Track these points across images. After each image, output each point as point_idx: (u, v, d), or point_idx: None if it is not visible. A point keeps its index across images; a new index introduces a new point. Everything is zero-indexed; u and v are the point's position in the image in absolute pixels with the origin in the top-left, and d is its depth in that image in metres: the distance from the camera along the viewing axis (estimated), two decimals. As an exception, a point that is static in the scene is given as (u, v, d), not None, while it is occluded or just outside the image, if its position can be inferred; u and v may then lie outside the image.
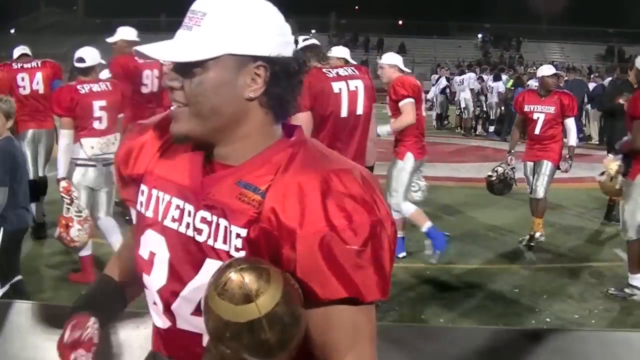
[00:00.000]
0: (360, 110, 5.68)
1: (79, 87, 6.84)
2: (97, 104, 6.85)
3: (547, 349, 4.79)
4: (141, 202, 1.87)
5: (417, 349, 4.96)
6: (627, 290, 6.83)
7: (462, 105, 23.06)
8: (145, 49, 1.67)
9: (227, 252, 1.66)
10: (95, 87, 6.92)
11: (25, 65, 9.04)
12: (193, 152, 1.80)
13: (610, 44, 50.71)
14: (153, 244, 1.83)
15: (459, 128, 23.69)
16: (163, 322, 1.85)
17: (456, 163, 16.44)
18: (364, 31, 53.79)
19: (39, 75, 8.95)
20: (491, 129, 22.33)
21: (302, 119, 5.28)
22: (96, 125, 6.85)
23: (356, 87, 5.70)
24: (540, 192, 8.60)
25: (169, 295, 1.79)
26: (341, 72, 5.79)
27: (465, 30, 56.13)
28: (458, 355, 4.90)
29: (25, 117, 8.56)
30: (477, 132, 23.05)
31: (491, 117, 22.81)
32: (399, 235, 8.10)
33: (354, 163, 1.72)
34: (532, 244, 8.67)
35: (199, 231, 1.71)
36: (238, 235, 1.66)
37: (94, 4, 54.90)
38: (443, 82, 24.85)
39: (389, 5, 56.58)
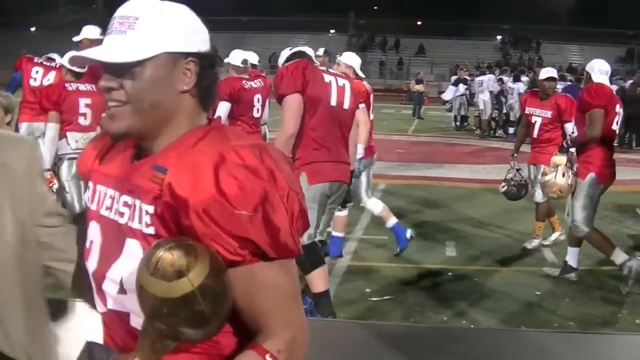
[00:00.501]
0: (346, 105, 5.89)
1: (66, 85, 7.38)
2: (83, 101, 7.38)
3: (573, 352, 4.77)
4: (88, 197, 2.06)
5: (440, 350, 4.95)
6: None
7: (481, 106, 23.02)
8: (86, 53, 1.84)
9: (140, 230, 1.81)
10: (82, 87, 7.44)
11: (45, 63, 9.68)
12: (126, 148, 1.98)
13: (630, 46, 50.48)
14: (92, 233, 2.00)
15: (478, 129, 23.66)
16: (100, 306, 1.99)
17: (475, 164, 16.42)
18: (383, 31, 53.78)
19: (52, 74, 9.42)
20: (511, 130, 22.25)
21: (293, 101, 5.58)
22: (81, 120, 7.40)
23: (343, 84, 5.96)
24: (538, 196, 8.65)
25: (99, 277, 1.94)
26: (330, 71, 6.12)
27: (484, 31, 56.04)
28: (482, 357, 4.89)
29: (26, 110, 9.19)
30: (497, 134, 22.99)
31: (511, 119, 22.72)
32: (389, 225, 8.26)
33: (262, 142, 1.86)
34: (530, 246, 8.81)
35: (121, 214, 1.88)
36: (147, 212, 1.80)
37: (113, 1, 55.25)
38: (461, 89, 24.83)
39: (408, 5, 56.51)
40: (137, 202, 1.84)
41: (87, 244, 2.02)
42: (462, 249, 8.68)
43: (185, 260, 1.60)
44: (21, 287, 2.08)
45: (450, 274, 7.70)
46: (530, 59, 48.63)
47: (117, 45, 1.82)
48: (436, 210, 10.71)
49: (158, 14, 1.83)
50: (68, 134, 7.29)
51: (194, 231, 1.71)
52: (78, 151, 7.14)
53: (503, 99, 23.04)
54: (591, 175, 7.10)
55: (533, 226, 8.88)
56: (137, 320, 1.88)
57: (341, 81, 5.95)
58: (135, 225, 1.84)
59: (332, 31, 55.63)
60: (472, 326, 6.18)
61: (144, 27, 1.81)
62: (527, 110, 8.86)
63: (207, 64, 1.90)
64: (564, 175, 7.27)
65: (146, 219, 1.81)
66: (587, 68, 7.59)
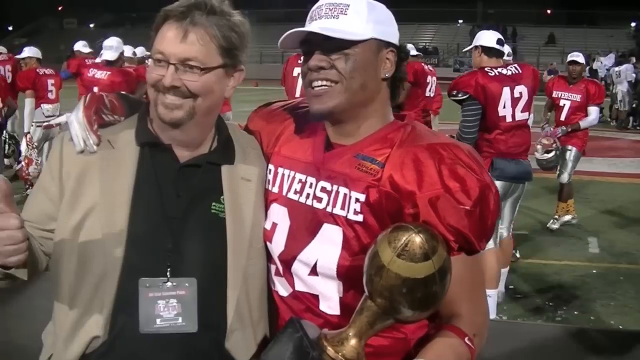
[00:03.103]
0: None
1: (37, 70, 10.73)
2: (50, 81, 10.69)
3: None
4: (268, 180, 2.15)
5: (589, 351, 4.83)
6: None
7: (619, 97, 22.21)
8: (311, 27, 1.96)
9: (345, 217, 1.94)
10: (49, 70, 10.89)
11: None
12: (315, 135, 2.11)
13: None
14: (276, 215, 2.09)
15: (614, 121, 22.84)
16: (285, 289, 2.09)
17: (613, 157, 15.85)
18: (512, 21, 52.65)
19: None
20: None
21: None
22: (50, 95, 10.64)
23: None
24: (564, 177, 8.95)
25: (288, 259, 2.04)
26: None
27: (618, 19, 54.16)
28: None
29: None
30: (633, 125, 22.14)
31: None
32: None
33: (454, 140, 2.02)
34: (555, 226, 9.10)
35: (318, 199, 2.00)
36: (357, 200, 1.94)
37: None
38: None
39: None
40: (343, 189, 1.96)
41: (268, 226, 2.11)
42: (605, 246, 8.42)
43: (431, 243, 1.73)
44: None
45: (594, 271, 7.48)
46: (667, 46, 46.70)
47: (333, 26, 1.93)
48: (575, 204, 10.44)
49: (368, 4, 1.97)
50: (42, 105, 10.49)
51: (417, 221, 1.84)
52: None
53: (640, 89, 22.13)
54: None
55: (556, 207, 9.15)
56: (326, 304, 2.01)
57: None
58: (337, 211, 1.97)
59: (460, 21, 54.98)
60: (620, 327, 6.00)
61: (356, 13, 1.94)
62: (555, 94, 9.15)
63: (403, 57, 2.06)
64: None
65: (355, 206, 1.94)
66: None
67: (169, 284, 1.98)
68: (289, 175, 2.10)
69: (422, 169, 1.88)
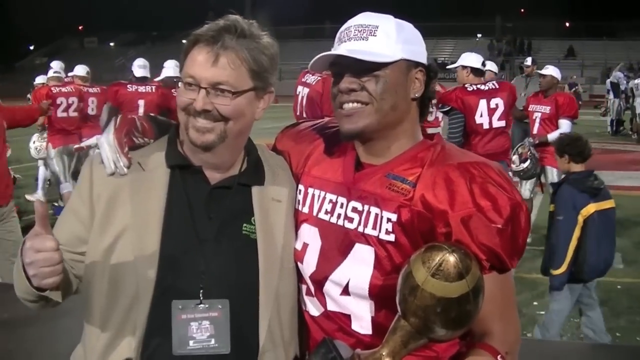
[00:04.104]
0: None
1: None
2: None
3: None
4: (298, 200, 2.16)
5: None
6: None
7: (638, 110, 22.05)
8: (340, 50, 1.97)
9: (377, 237, 1.94)
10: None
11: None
12: (345, 155, 2.11)
13: None
14: (306, 236, 2.09)
15: (635, 134, 22.64)
16: (317, 308, 2.09)
17: (636, 171, 15.68)
18: (529, 34, 52.51)
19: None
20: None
21: None
22: None
23: None
24: (525, 193, 8.99)
25: (320, 279, 2.04)
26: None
27: (637, 30, 53.84)
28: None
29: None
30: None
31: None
32: None
33: (484, 159, 2.01)
34: None
35: (349, 219, 2.00)
36: (389, 220, 1.94)
37: (261, 13, 56.41)
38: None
39: (556, 7, 55.01)
40: (374, 209, 1.97)
41: (299, 246, 2.11)
42: (629, 261, 8.34)
43: (465, 262, 1.74)
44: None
45: (619, 287, 7.41)
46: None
47: (362, 48, 1.94)
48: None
49: (396, 25, 1.98)
50: None
51: (450, 239, 1.86)
52: None
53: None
54: None
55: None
56: (358, 323, 2.01)
57: None
58: (368, 231, 1.97)
59: (479, 35, 54.88)
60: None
61: (386, 34, 1.95)
62: (530, 107, 9.34)
63: (432, 75, 2.04)
64: None
65: (387, 226, 1.94)
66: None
67: (201, 306, 1.99)
68: (319, 196, 2.11)
69: (453, 188, 1.89)
